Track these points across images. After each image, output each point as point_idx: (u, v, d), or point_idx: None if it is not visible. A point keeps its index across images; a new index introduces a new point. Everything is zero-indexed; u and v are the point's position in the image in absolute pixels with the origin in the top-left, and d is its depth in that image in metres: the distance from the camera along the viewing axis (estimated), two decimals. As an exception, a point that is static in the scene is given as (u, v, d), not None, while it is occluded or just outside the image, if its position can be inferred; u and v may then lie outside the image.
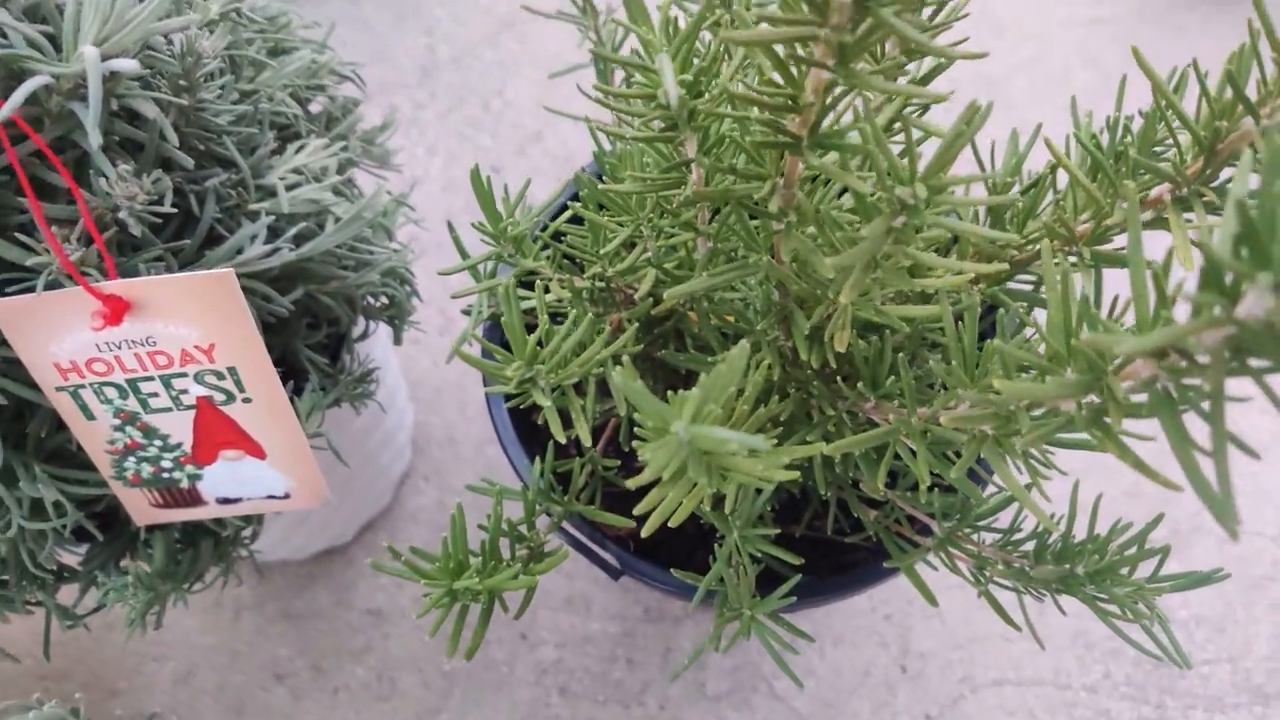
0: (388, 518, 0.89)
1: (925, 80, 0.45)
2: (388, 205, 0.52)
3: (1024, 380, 0.30)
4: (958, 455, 0.47)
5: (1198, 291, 0.23)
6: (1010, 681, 0.79)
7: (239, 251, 0.47)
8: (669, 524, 0.36)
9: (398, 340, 0.60)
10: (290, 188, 0.49)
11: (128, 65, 0.37)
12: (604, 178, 0.59)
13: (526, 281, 0.54)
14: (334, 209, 0.50)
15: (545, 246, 0.52)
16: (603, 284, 0.52)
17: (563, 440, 0.40)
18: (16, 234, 0.42)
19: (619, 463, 0.54)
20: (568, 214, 0.51)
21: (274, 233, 0.49)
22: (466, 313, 0.57)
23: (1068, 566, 0.43)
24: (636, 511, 0.33)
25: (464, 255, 0.52)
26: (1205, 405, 0.25)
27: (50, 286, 0.40)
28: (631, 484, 0.31)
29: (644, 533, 0.35)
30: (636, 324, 0.47)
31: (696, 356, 0.52)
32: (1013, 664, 0.80)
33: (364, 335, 0.59)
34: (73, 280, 0.40)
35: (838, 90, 0.33)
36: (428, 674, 0.83)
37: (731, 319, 0.52)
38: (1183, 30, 1.11)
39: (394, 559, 0.42)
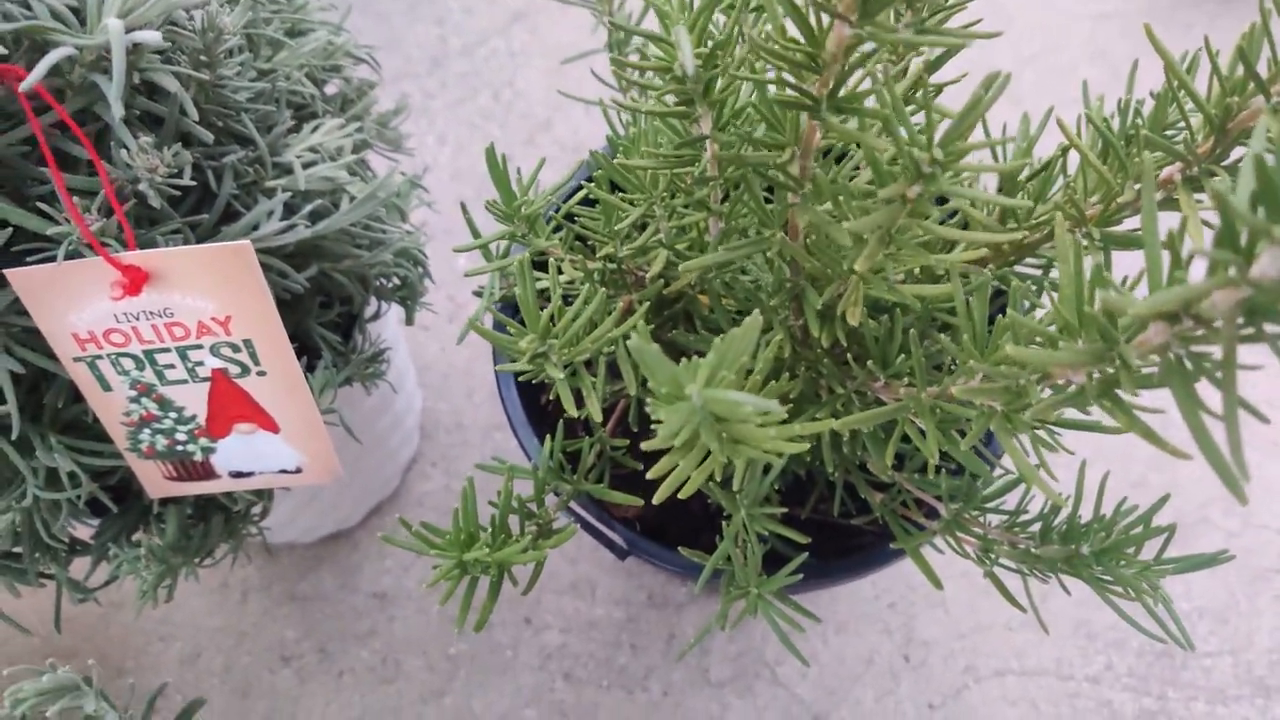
0: (395, 502, 0.89)
1: (934, 66, 0.46)
2: (401, 186, 0.53)
3: (1036, 349, 0.30)
4: (963, 434, 0.48)
5: (1213, 249, 0.23)
6: (1013, 671, 0.80)
7: (255, 227, 0.47)
8: (678, 497, 0.36)
9: (409, 320, 0.60)
10: (306, 166, 0.50)
11: (151, 37, 0.37)
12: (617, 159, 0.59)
13: (539, 263, 0.54)
14: (349, 188, 0.51)
15: (558, 228, 0.53)
16: (614, 265, 0.53)
17: (574, 414, 0.41)
18: (37, 204, 0.42)
19: (628, 443, 0.54)
20: (581, 194, 0.51)
21: (290, 210, 0.50)
22: (479, 294, 0.58)
23: (1073, 546, 0.43)
24: (650, 476, 0.33)
25: (476, 235, 0.53)
26: (1218, 375, 0.26)
27: (70, 256, 0.41)
28: (645, 447, 0.32)
29: (655, 500, 0.36)
30: (647, 304, 0.48)
31: (707, 338, 0.52)
32: (1015, 654, 0.80)
33: (376, 315, 0.59)
34: (92, 250, 0.40)
35: (861, 50, 0.33)
36: (432, 657, 0.83)
37: (744, 299, 0.53)
38: (1190, 27, 1.11)
39: (405, 532, 0.42)
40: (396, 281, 0.59)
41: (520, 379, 0.50)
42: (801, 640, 0.82)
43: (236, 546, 0.56)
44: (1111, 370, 0.30)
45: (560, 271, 0.52)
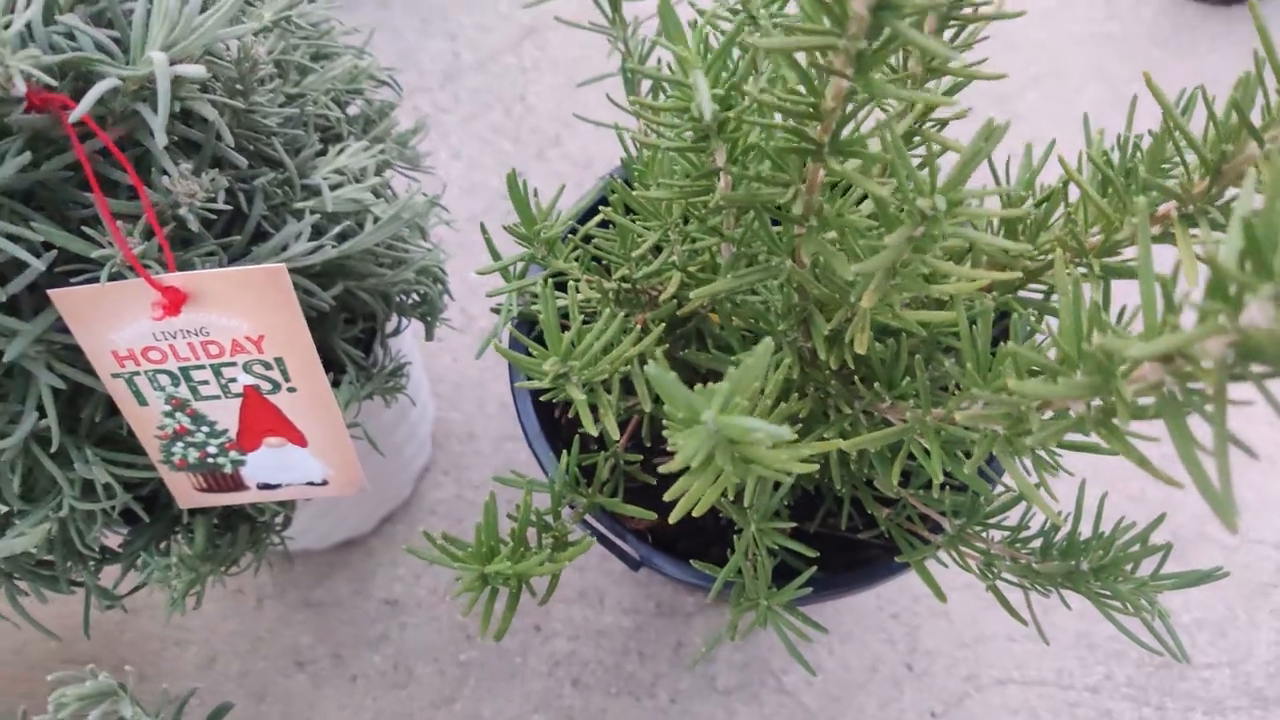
0: (407, 510, 0.91)
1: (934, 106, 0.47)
2: (422, 206, 0.54)
3: (1036, 381, 0.32)
4: (968, 454, 0.50)
5: (1204, 299, 0.25)
6: (1014, 681, 0.81)
7: (285, 247, 0.49)
8: (691, 514, 0.38)
9: (429, 336, 0.62)
10: (333, 188, 0.51)
11: (194, 71, 0.39)
12: (632, 183, 0.61)
13: (556, 282, 0.56)
14: (373, 209, 0.53)
15: (575, 249, 0.55)
16: (629, 285, 0.54)
17: (594, 432, 0.42)
18: (80, 226, 0.44)
19: (641, 458, 0.56)
20: (597, 218, 0.53)
21: (317, 230, 0.52)
22: (496, 311, 0.59)
23: (1073, 563, 0.45)
24: (667, 498, 0.35)
25: (495, 255, 0.55)
26: (1208, 408, 0.27)
27: (112, 278, 0.42)
28: (663, 470, 0.33)
29: (671, 519, 0.38)
30: (662, 324, 0.50)
31: (719, 356, 0.54)
32: (1017, 664, 0.82)
33: (397, 331, 0.61)
34: (134, 272, 0.42)
35: (857, 99, 0.35)
36: (443, 663, 0.85)
37: (752, 320, 0.55)
38: (1190, 47, 1.13)
39: (430, 544, 0.44)
40: (416, 298, 0.61)
41: (541, 399, 0.52)
42: (807, 649, 0.84)
43: (260, 555, 0.58)
44: (1108, 401, 0.32)
45: (577, 290, 0.54)
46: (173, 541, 0.56)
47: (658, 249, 0.53)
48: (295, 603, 0.88)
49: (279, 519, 0.58)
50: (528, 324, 0.63)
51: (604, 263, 0.55)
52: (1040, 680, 0.81)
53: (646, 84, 0.62)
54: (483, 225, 0.55)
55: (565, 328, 0.51)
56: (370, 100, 0.63)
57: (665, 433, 0.34)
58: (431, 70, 1.11)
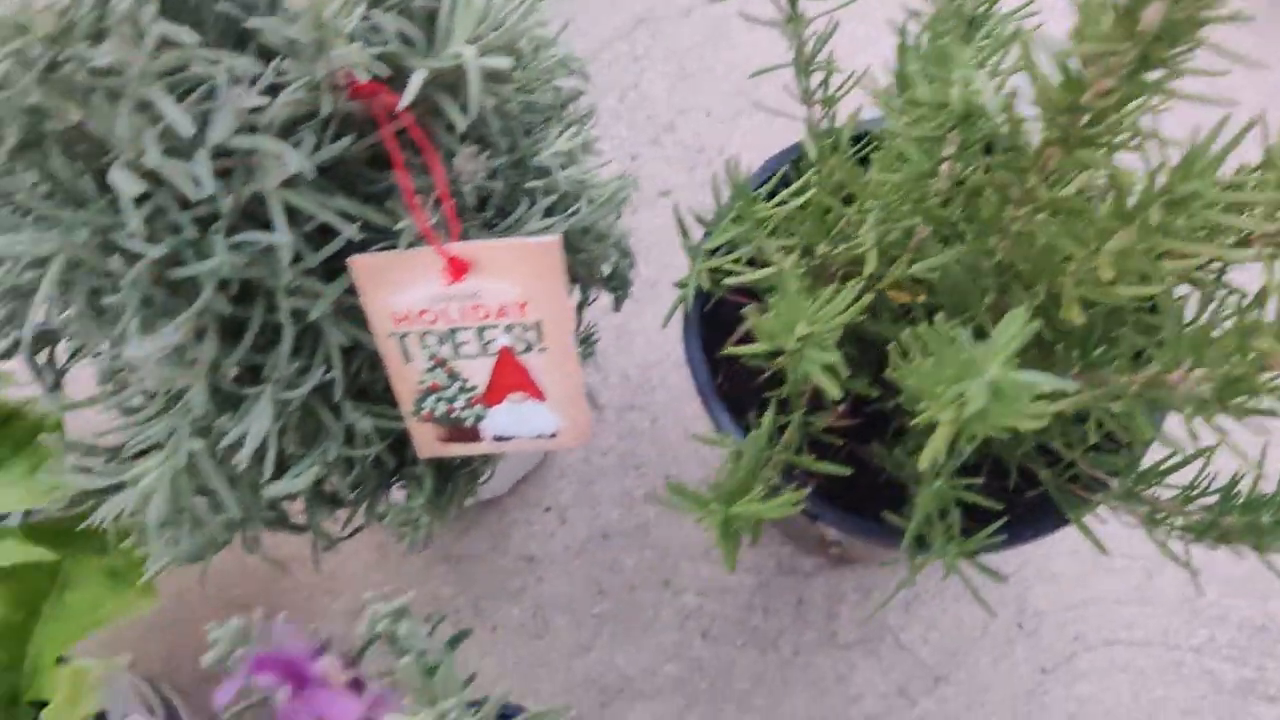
0: (539, 473, 0.97)
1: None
2: (628, 182, 0.60)
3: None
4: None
5: None
6: (1121, 641, 0.87)
7: (523, 224, 0.54)
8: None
9: (617, 307, 0.67)
10: (562, 168, 0.56)
11: (502, 64, 0.44)
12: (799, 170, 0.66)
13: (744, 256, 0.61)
14: (590, 188, 0.58)
15: (772, 229, 0.60)
16: (820, 261, 0.59)
17: (836, 395, 0.47)
18: (364, 200, 0.49)
19: (829, 422, 0.61)
20: (799, 199, 0.58)
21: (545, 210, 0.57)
22: (682, 285, 0.64)
23: (1253, 517, 0.50)
24: (920, 462, 0.40)
25: (685, 235, 0.60)
26: None
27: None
28: (919, 422, 0.38)
29: (920, 464, 0.42)
30: (869, 295, 0.55)
31: (899, 326, 0.59)
32: (1124, 625, 0.87)
33: (590, 301, 0.66)
34: (423, 241, 0.47)
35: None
36: (579, 615, 0.90)
37: (943, 295, 0.60)
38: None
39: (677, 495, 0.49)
40: (606, 271, 0.66)
41: (770, 365, 0.57)
42: (922, 606, 0.89)
43: (464, 509, 0.63)
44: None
45: (768, 264, 0.59)
46: (394, 489, 0.61)
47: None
48: (435, 557, 0.94)
49: (486, 475, 0.64)
50: (704, 297, 0.68)
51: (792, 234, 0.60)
52: (1146, 641, 0.86)
53: (818, 79, 0.67)
54: (676, 210, 0.61)
55: (751, 299, 0.57)
56: (559, 88, 0.68)
57: (918, 409, 0.39)
58: (547, 55, 1.16)
